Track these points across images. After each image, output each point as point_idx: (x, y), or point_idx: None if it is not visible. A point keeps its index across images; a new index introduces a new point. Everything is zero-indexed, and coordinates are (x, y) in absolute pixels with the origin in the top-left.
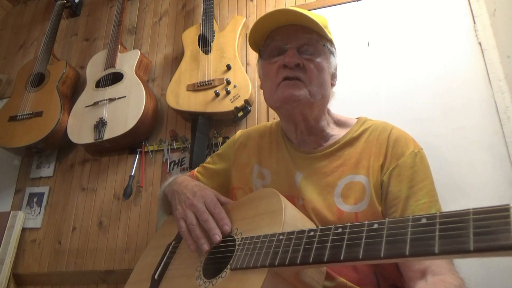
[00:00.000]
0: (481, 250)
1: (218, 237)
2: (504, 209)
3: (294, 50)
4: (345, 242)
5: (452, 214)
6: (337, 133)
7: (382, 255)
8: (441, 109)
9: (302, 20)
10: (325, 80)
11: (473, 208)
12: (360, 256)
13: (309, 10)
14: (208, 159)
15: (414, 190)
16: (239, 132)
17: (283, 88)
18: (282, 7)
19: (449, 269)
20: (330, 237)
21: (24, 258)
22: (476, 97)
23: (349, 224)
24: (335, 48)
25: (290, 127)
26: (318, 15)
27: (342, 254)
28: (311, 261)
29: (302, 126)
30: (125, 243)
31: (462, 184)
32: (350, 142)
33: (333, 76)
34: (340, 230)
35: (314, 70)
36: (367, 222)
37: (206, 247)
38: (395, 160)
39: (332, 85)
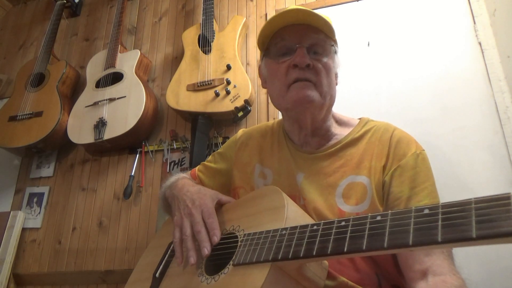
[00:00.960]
0: (484, 237)
1: (206, 250)
2: (505, 197)
3: (304, 49)
4: (348, 234)
5: (454, 204)
6: (339, 133)
7: (385, 245)
8: (441, 109)
9: (312, 19)
10: (332, 79)
11: (475, 198)
12: (364, 247)
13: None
14: (210, 157)
15: (415, 191)
16: (240, 131)
17: (296, 89)
18: (282, 7)
19: (450, 270)
20: (333, 230)
21: (24, 258)
22: (476, 97)
23: (352, 217)
24: (338, 47)
25: (294, 129)
26: (325, 16)
27: (346, 246)
28: (314, 253)
29: (309, 128)
30: (125, 243)
31: (462, 184)
32: (352, 142)
33: (336, 76)
34: (343, 223)
35: (323, 70)
36: (370, 214)
37: (192, 260)
38: (397, 161)
39: (336, 84)
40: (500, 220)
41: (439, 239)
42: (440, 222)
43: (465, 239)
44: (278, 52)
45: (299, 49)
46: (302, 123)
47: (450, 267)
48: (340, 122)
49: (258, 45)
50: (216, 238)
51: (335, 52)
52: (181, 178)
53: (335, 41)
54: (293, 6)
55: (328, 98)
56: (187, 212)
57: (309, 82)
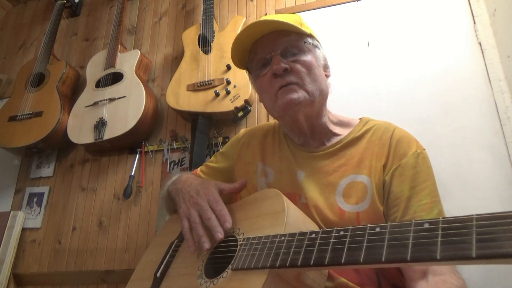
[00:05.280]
0: (484, 257)
1: (220, 235)
2: (508, 216)
3: (278, 56)
4: (346, 245)
5: (455, 220)
6: (339, 133)
7: (383, 259)
8: (441, 109)
9: (276, 26)
10: (317, 74)
11: (477, 214)
12: (361, 260)
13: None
14: (212, 158)
15: (416, 190)
16: (242, 131)
17: (281, 96)
18: (282, 7)
19: (450, 270)
20: (332, 240)
21: (24, 258)
22: (476, 97)
23: (351, 227)
24: (318, 41)
25: (293, 133)
26: (291, 16)
27: (343, 257)
28: (312, 263)
29: (306, 128)
30: (125, 243)
31: (462, 184)
32: (353, 141)
33: (326, 67)
34: (342, 233)
35: (303, 69)
36: (369, 225)
37: (207, 245)
38: (397, 160)
39: (327, 76)
40: (502, 240)
41: (438, 257)
42: (439, 238)
43: (465, 258)
44: (257, 66)
45: (273, 57)
46: (298, 124)
47: (450, 267)
48: (341, 123)
49: (237, 66)
50: (228, 224)
51: (315, 46)
52: (184, 174)
53: (310, 36)
54: (264, 18)
55: (316, 93)
56: (193, 202)
57: (292, 84)
